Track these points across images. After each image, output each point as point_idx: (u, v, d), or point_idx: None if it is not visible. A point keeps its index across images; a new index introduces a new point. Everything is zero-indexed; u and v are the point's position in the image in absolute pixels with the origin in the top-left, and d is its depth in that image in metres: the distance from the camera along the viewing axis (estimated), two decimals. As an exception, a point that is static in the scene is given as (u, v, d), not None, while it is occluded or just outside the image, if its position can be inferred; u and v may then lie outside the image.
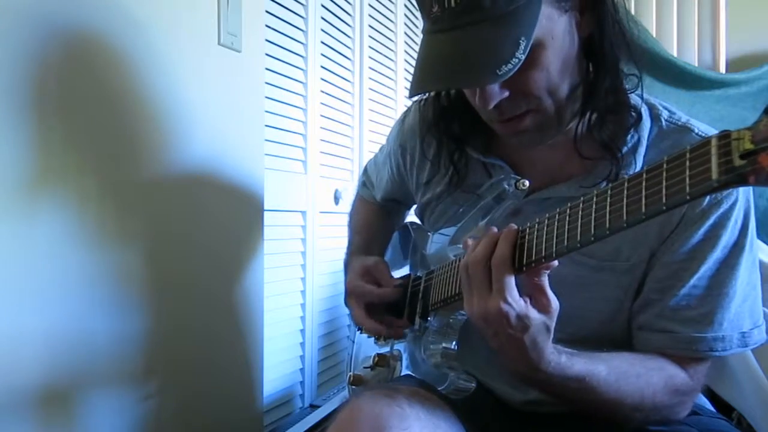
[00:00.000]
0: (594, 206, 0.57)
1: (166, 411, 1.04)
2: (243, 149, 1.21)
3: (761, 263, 0.83)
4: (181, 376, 1.07)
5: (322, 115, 1.56)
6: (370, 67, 1.83)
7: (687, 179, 0.47)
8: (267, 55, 1.30)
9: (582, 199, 0.59)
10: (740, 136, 0.44)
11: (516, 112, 0.75)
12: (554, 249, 0.60)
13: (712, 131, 0.78)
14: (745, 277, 0.76)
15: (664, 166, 0.49)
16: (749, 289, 0.77)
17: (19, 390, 0.81)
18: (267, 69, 1.30)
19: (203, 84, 1.10)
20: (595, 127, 0.78)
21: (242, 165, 1.21)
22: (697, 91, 2.07)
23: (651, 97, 0.83)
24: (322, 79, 1.56)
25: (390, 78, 1.98)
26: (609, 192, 0.55)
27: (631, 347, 0.80)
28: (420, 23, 2.24)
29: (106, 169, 0.92)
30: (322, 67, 1.55)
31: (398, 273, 1.03)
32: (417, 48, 2.41)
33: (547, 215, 0.63)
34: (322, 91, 1.56)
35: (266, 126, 1.29)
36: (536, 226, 0.63)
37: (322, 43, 1.56)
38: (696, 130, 0.79)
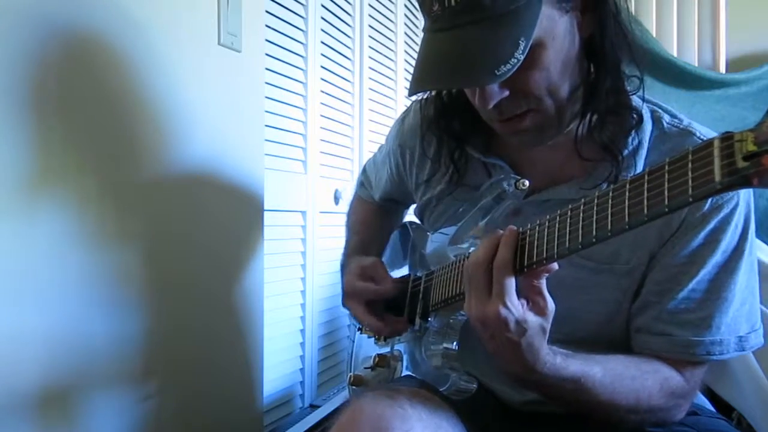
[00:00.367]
0: (595, 208, 0.57)
1: (166, 411, 1.04)
2: (243, 149, 1.21)
3: (760, 263, 0.83)
4: (181, 376, 1.07)
5: (322, 115, 1.56)
6: (370, 67, 1.83)
7: (689, 181, 0.47)
8: (267, 55, 1.30)
9: (583, 200, 0.59)
10: (743, 137, 0.43)
11: (516, 112, 0.75)
12: (555, 251, 0.60)
13: (714, 134, 0.78)
14: (744, 281, 0.76)
15: (666, 167, 0.49)
16: (747, 293, 0.77)
17: (19, 390, 0.81)
18: (267, 69, 1.30)
19: (203, 84, 1.10)
20: (595, 128, 0.78)
21: (242, 165, 1.21)
22: (697, 91, 2.07)
23: (652, 98, 0.83)
24: (322, 79, 1.56)
25: (390, 78, 1.98)
26: (611, 194, 0.55)
27: (628, 349, 0.80)
28: (420, 23, 2.24)
29: (106, 169, 0.92)
30: (322, 67, 1.55)
31: (398, 273, 1.03)
32: (417, 48, 2.40)
33: (548, 217, 0.62)
34: (322, 91, 1.56)
35: (266, 126, 1.29)
36: (537, 227, 0.63)
37: (322, 43, 1.55)
38: (698, 134, 0.79)
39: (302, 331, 1.51)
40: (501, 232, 0.67)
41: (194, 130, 1.08)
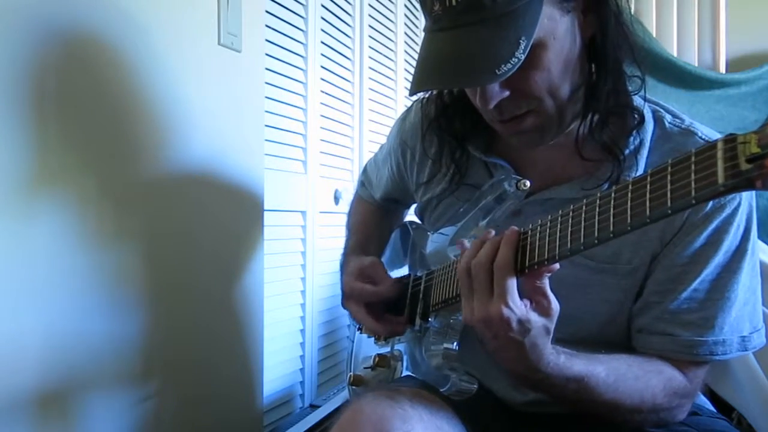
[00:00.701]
0: (597, 209, 0.57)
1: (166, 411, 1.04)
2: (243, 149, 1.21)
3: (761, 263, 0.83)
4: (180, 376, 1.07)
5: (322, 115, 1.56)
6: (370, 67, 1.83)
7: (692, 183, 0.47)
8: (267, 55, 1.30)
9: (585, 201, 0.58)
10: (746, 139, 0.43)
11: (516, 113, 0.75)
12: (557, 251, 0.60)
13: (716, 135, 0.78)
14: (746, 281, 0.76)
15: (669, 169, 0.49)
16: (749, 294, 0.77)
17: (18, 391, 0.81)
18: (267, 69, 1.30)
19: (203, 84, 1.10)
20: (596, 128, 0.78)
21: (242, 165, 1.21)
22: (697, 91, 2.07)
23: (654, 99, 0.83)
24: (322, 79, 1.56)
25: (390, 78, 1.98)
26: (613, 195, 0.55)
27: (630, 349, 0.80)
28: (420, 23, 2.24)
29: (105, 169, 0.92)
30: (322, 67, 1.55)
31: (398, 272, 1.03)
32: (417, 48, 2.41)
33: (549, 217, 0.62)
34: (322, 91, 1.56)
35: (266, 126, 1.29)
36: (538, 228, 0.63)
37: (322, 43, 1.55)
38: (699, 134, 0.79)
39: (302, 331, 1.51)
40: (492, 233, 0.67)
41: (194, 130, 1.08)
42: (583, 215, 0.58)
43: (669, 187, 0.49)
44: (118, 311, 0.94)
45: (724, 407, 1.15)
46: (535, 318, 0.64)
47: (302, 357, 1.51)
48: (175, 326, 1.05)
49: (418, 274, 0.93)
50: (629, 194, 0.53)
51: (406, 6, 2.09)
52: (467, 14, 0.67)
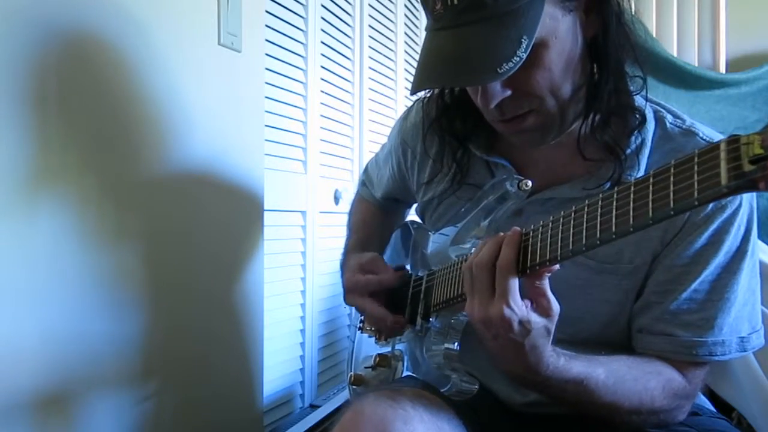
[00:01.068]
0: (600, 209, 0.56)
1: (166, 411, 1.04)
2: (243, 149, 1.21)
3: (761, 263, 0.83)
4: (180, 376, 1.07)
5: (322, 115, 1.56)
6: (370, 67, 1.83)
7: (695, 184, 0.46)
8: (267, 55, 1.30)
9: (587, 202, 0.58)
10: (749, 140, 0.43)
11: (517, 112, 0.75)
12: (559, 252, 0.60)
13: (717, 135, 0.78)
14: (746, 282, 0.77)
15: (672, 170, 0.49)
16: (749, 294, 0.78)
17: (17, 391, 0.81)
18: (267, 69, 1.30)
19: (203, 84, 1.10)
20: (598, 128, 0.78)
21: (242, 165, 1.20)
22: (697, 91, 2.07)
23: (654, 99, 0.83)
24: (322, 79, 1.56)
25: (390, 78, 1.98)
26: (615, 195, 0.55)
27: (630, 350, 0.80)
28: (420, 23, 2.24)
29: (105, 169, 0.92)
30: (322, 67, 1.55)
31: (398, 268, 1.03)
32: (417, 48, 2.41)
33: (551, 218, 0.62)
34: (322, 91, 1.56)
35: (266, 126, 1.29)
36: (540, 228, 0.63)
37: (322, 43, 1.55)
38: (701, 134, 0.79)
39: (302, 331, 1.51)
40: (501, 234, 0.67)
41: (194, 130, 1.08)
42: (585, 216, 0.58)
43: (672, 188, 0.48)
44: (117, 311, 0.94)
45: (724, 407, 1.15)
46: (536, 319, 0.64)
47: (302, 357, 1.51)
48: (175, 326, 1.05)
49: (419, 273, 0.93)
50: (631, 195, 0.53)
51: (406, 6, 2.08)
52: (469, 13, 0.67)
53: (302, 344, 1.51)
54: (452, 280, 0.80)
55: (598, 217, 0.56)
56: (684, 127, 0.80)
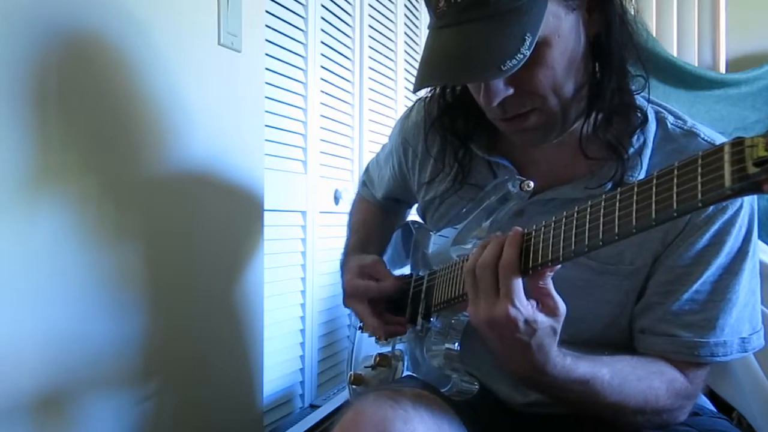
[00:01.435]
0: (602, 210, 0.56)
1: (166, 412, 1.04)
2: (243, 149, 1.21)
3: (761, 263, 0.83)
4: (180, 376, 1.07)
5: (322, 115, 1.56)
6: (370, 67, 1.83)
7: (699, 186, 0.46)
8: (267, 55, 1.30)
9: (590, 203, 0.58)
10: (754, 143, 0.43)
11: (520, 111, 0.75)
12: (561, 253, 0.60)
13: (718, 136, 0.78)
14: (747, 283, 0.77)
15: (675, 172, 0.49)
16: (750, 295, 0.78)
17: (17, 391, 0.81)
18: (267, 69, 1.30)
19: (203, 84, 1.09)
20: (600, 127, 0.78)
21: (242, 165, 1.20)
22: (697, 91, 2.07)
23: (655, 99, 0.83)
24: (322, 79, 1.56)
25: (390, 78, 1.98)
26: (618, 197, 0.55)
27: (631, 350, 0.80)
28: (420, 23, 2.23)
29: (105, 169, 0.92)
30: (322, 67, 1.55)
31: (399, 272, 1.03)
32: (417, 48, 2.41)
33: (554, 218, 0.62)
34: (322, 91, 1.56)
35: (266, 126, 1.29)
36: (542, 229, 0.63)
37: (322, 43, 1.55)
38: (702, 135, 0.79)
39: (302, 331, 1.51)
40: (499, 234, 0.67)
41: (194, 130, 1.08)
42: (587, 216, 0.58)
43: (675, 189, 0.48)
44: (117, 311, 0.94)
45: (724, 407, 1.15)
46: (542, 318, 0.63)
47: (302, 357, 1.51)
48: (175, 326, 1.05)
49: (420, 273, 0.93)
50: (634, 196, 0.53)
51: (406, 6, 2.08)
52: (472, 10, 0.67)
53: (302, 344, 1.51)
54: (453, 280, 0.80)
55: (601, 218, 0.56)
56: (685, 127, 0.80)
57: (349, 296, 0.97)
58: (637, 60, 0.77)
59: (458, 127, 0.89)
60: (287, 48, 1.40)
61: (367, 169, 1.20)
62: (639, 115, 0.78)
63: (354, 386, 1.04)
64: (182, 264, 1.06)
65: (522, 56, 0.66)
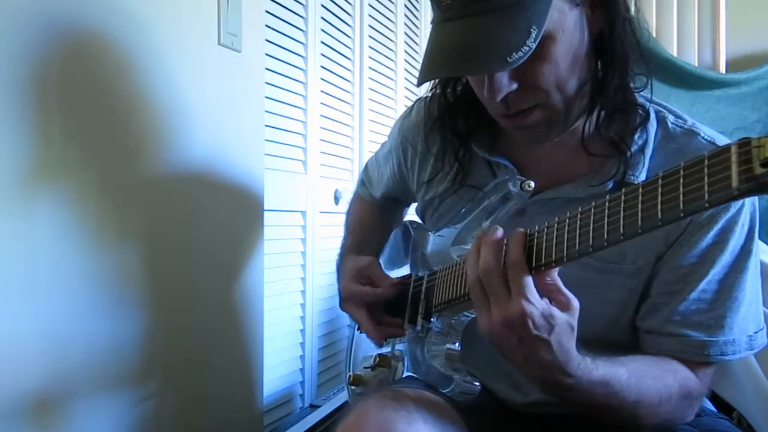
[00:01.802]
0: (607, 210, 0.56)
1: (166, 412, 1.04)
2: (243, 149, 1.20)
3: (762, 263, 0.83)
4: (180, 376, 1.07)
5: (322, 115, 1.56)
6: (370, 67, 1.83)
7: (706, 186, 0.46)
8: (267, 55, 1.30)
9: (594, 203, 0.58)
10: (761, 143, 0.43)
11: (522, 107, 0.75)
12: (565, 253, 0.59)
13: (718, 136, 0.78)
14: (751, 280, 0.77)
15: (681, 172, 0.49)
16: (754, 293, 0.78)
17: (17, 391, 0.81)
18: (267, 69, 1.30)
19: (203, 84, 1.09)
20: (603, 124, 0.78)
21: (242, 165, 1.20)
22: (697, 91, 2.06)
23: (655, 99, 0.83)
24: (322, 79, 1.56)
25: (390, 78, 1.98)
26: (623, 197, 0.54)
27: (634, 349, 0.80)
28: (420, 23, 2.22)
29: (105, 169, 0.92)
30: (322, 67, 1.55)
31: (398, 272, 1.03)
32: (417, 48, 2.40)
33: (557, 219, 0.62)
34: (322, 91, 1.56)
35: (266, 126, 1.29)
36: (546, 229, 0.63)
37: (322, 43, 1.55)
38: (702, 134, 0.79)
39: (302, 331, 1.51)
40: (496, 231, 0.66)
41: (194, 130, 1.08)
42: (591, 217, 0.57)
43: (681, 190, 0.48)
44: (117, 311, 0.94)
45: (724, 407, 1.15)
46: (558, 314, 0.62)
47: (302, 357, 1.51)
48: (175, 326, 1.05)
49: (420, 273, 0.93)
50: (640, 197, 0.52)
51: (406, 6, 2.08)
52: (477, 3, 0.67)
53: (302, 344, 1.51)
54: (454, 280, 0.79)
55: (605, 218, 0.56)
56: (686, 127, 0.80)
57: (346, 301, 0.97)
58: (639, 57, 0.77)
59: (459, 126, 0.89)
60: (287, 48, 1.40)
61: (366, 167, 1.20)
62: (641, 113, 0.78)
63: (353, 387, 1.04)
64: (182, 264, 1.06)
65: (528, 48, 0.65)
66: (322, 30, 1.55)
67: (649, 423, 0.74)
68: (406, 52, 2.08)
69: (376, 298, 0.94)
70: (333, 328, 1.67)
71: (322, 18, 1.55)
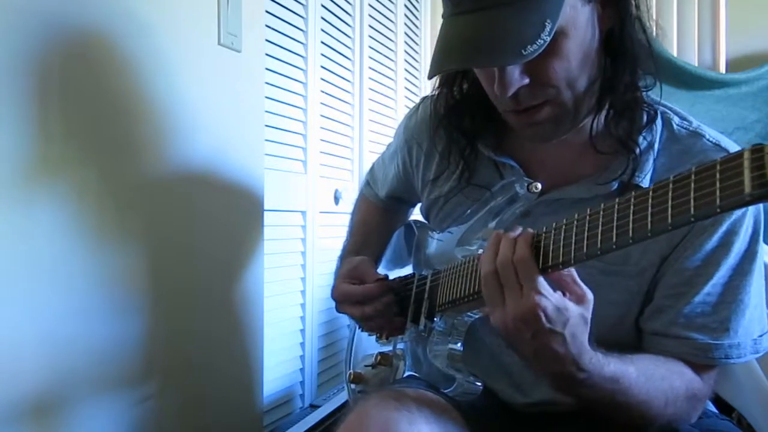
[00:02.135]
0: (616, 213, 0.56)
1: (166, 412, 1.04)
2: (243, 149, 1.20)
3: (766, 266, 0.83)
4: (181, 376, 1.07)
5: (322, 115, 1.56)
6: (370, 67, 1.83)
7: (717, 192, 0.46)
8: (267, 55, 1.30)
9: (603, 205, 0.58)
10: None
11: (533, 102, 0.74)
12: (572, 255, 0.59)
13: (723, 138, 0.78)
14: (756, 284, 0.77)
15: (693, 177, 0.49)
16: (758, 296, 0.78)
17: (18, 392, 0.81)
18: (267, 69, 1.30)
19: (203, 84, 1.09)
20: (612, 121, 0.78)
21: (242, 165, 1.20)
22: (697, 91, 2.06)
23: (660, 100, 0.83)
24: (322, 79, 1.56)
25: (390, 78, 1.98)
26: (632, 200, 0.54)
27: (638, 350, 0.79)
28: (420, 23, 2.21)
29: (105, 170, 0.92)
30: (322, 67, 1.55)
31: (401, 272, 1.02)
32: (417, 48, 2.40)
33: (564, 220, 0.62)
34: (322, 91, 1.56)
35: (266, 126, 1.29)
36: (553, 231, 0.62)
37: (322, 43, 1.55)
38: (707, 136, 0.79)
39: (302, 331, 1.51)
40: (502, 232, 0.66)
41: (194, 130, 1.08)
42: (600, 219, 0.57)
43: (692, 194, 0.48)
44: (117, 311, 0.94)
45: (724, 407, 1.15)
46: (572, 306, 0.62)
47: (302, 357, 1.51)
48: (175, 326, 1.05)
49: (423, 273, 0.93)
50: (650, 200, 0.52)
51: (406, 6, 2.08)
52: None
53: (302, 344, 1.51)
54: (458, 280, 0.79)
55: (615, 221, 0.55)
56: (691, 128, 0.80)
57: (339, 303, 0.98)
58: (648, 57, 0.77)
59: (465, 125, 0.88)
60: (287, 48, 1.39)
61: (372, 168, 1.19)
62: (650, 112, 0.78)
63: (353, 385, 1.04)
64: (182, 264, 1.06)
65: (543, 42, 0.65)
66: (322, 30, 1.55)
67: (655, 423, 0.73)
68: (406, 52, 2.08)
69: (362, 296, 0.94)
70: (333, 328, 1.67)
71: (322, 18, 1.55)
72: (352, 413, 0.72)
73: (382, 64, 1.92)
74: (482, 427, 0.82)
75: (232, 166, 1.17)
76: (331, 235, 1.61)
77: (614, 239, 0.55)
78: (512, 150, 0.86)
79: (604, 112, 0.79)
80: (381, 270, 1.02)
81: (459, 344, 0.81)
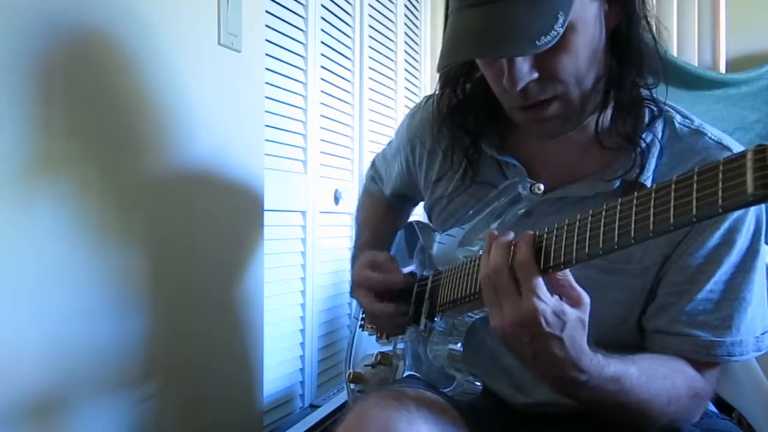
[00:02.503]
0: (618, 214, 0.56)
1: (166, 412, 1.04)
2: (243, 149, 1.20)
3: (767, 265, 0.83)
4: (181, 376, 1.07)
5: (322, 115, 1.56)
6: (370, 67, 1.83)
7: (720, 192, 0.46)
8: (267, 55, 1.30)
9: (605, 205, 0.57)
10: None
11: (541, 97, 0.74)
12: (574, 255, 0.59)
13: (725, 136, 0.78)
14: (758, 281, 0.77)
15: (695, 177, 0.49)
16: (760, 294, 0.78)
17: (18, 392, 0.81)
18: (267, 69, 1.30)
19: (203, 84, 1.09)
20: (618, 118, 0.78)
21: (242, 165, 1.20)
22: (697, 91, 2.06)
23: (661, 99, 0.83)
24: (322, 79, 1.56)
25: (390, 78, 1.98)
26: (635, 201, 0.54)
27: (641, 350, 0.79)
28: (420, 23, 2.21)
29: (105, 169, 0.92)
30: (322, 67, 1.55)
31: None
32: (417, 48, 2.39)
33: (567, 221, 0.61)
34: (322, 91, 1.56)
35: (266, 126, 1.29)
36: (555, 231, 0.62)
37: (322, 43, 1.55)
38: (709, 134, 0.79)
39: (302, 331, 1.51)
40: (503, 234, 0.66)
41: (194, 130, 1.08)
42: (603, 219, 0.57)
43: (695, 195, 0.48)
44: (117, 311, 0.94)
45: (724, 407, 1.15)
46: (569, 310, 0.62)
47: (302, 357, 1.51)
48: (175, 326, 1.05)
49: (425, 273, 0.93)
50: (652, 200, 0.52)
51: (405, 6, 2.08)
52: None
53: (302, 344, 1.51)
54: (459, 280, 0.79)
55: (617, 221, 0.55)
56: (693, 127, 0.80)
57: (357, 286, 0.97)
58: (654, 56, 0.77)
59: (468, 124, 0.88)
60: (287, 48, 1.40)
61: (373, 163, 1.19)
62: (654, 109, 0.78)
63: (352, 384, 1.04)
64: (182, 264, 1.06)
65: (556, 33, 0.65)
66: (322, 30, 1.55)
67: (658, 422, 0.73)
68: (406, 52, 2.08)
69: (384, 285, 0.93)
70: (333, 328, 1.67)
71: (322, 18, 1.55)
72: (352, 413, 0.72)
73: (382, 64, 1.92)
74: (482, 427, 0.82)
75: (232, 166, 1.17)
76: (331, 235, 1.61)
77: (616, 239, 0.55)
78: (515, 149, 0.86)
79: (609, 110, 0.79)
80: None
81: (459, 344, 0.81)
